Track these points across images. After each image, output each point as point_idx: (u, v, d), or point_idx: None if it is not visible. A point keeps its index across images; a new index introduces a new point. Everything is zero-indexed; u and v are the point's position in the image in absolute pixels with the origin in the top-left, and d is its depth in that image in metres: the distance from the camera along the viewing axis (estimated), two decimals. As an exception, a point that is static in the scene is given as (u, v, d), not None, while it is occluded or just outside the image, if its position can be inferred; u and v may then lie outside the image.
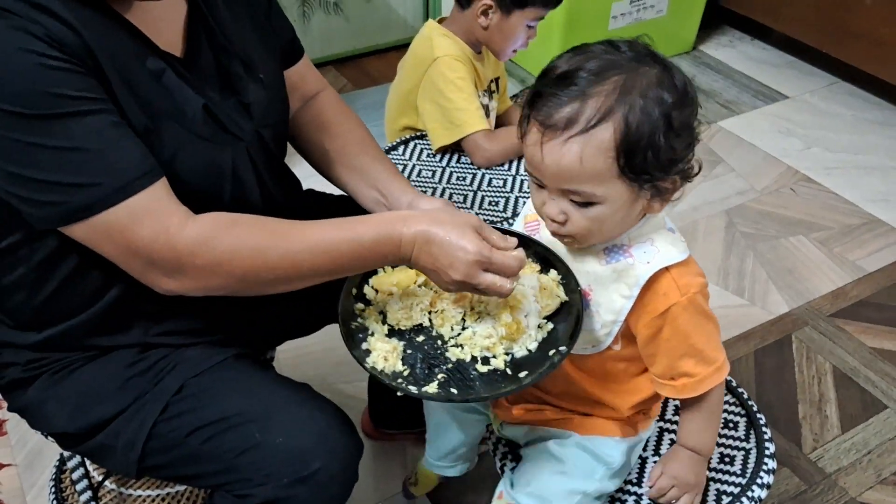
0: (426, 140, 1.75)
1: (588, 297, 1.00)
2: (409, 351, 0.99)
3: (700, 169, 0.94)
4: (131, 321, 1.06)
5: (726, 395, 1.73)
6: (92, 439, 1.05)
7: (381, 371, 0.95)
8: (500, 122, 1.92)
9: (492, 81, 1.84)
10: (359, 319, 1.03)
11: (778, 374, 1.83)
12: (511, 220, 1.52)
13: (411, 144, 1.74)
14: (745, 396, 1.64)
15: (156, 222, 0.88)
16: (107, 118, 0.86)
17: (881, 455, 1.66)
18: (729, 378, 1.77)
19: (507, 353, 0.98)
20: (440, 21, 1.76)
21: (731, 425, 1.25)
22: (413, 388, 0.94)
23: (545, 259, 1.04)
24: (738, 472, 1.15)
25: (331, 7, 2.90)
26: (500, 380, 0.95)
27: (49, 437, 1.12)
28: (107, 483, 1.34)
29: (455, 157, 1.70)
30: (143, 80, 0.92)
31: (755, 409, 1.28)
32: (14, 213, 0.90)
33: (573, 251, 1.01)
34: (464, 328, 1.01)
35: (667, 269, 0.95)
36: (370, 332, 1.01)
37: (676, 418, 1.20)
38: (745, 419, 1.23)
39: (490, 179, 1.64)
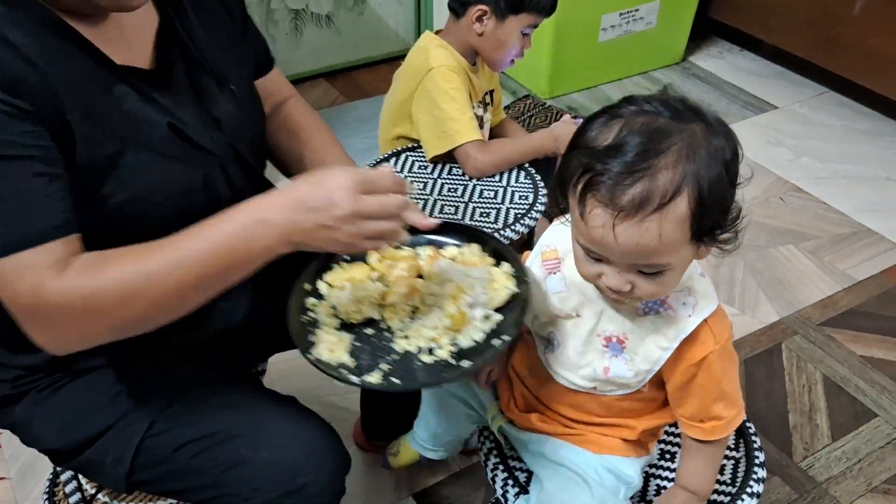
0: (417, 152, 1.75)
1: (622, 345, 1.00)
2: (357, 343, 1.00)
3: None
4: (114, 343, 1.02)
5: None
6: (81, 455, 1.05)
7: (323, 362, 0.95)
8: (494, 134, 1.93)
9: (486, 94, 1.85)
10: (310, 313, 1.03)
11: (768, 383, 1.84)
12: (503, 231, 1.53)
13: (403, 156, 1.75)
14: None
15: (33, 280, 0.84)
16: (31, 168, 0.84)
17: (871, 463, 1.66)
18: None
19: (452, 344, 0.99)
20: (437, 33, 1.77)
21: (721, 435, 1.27)
22: (353, 378, 0.93)
23: (499, 253, 1.08)
24: (728, 481, 1.15)
25: (323, 20, 2.92)
26: (443, 369, 0.96)
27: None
28: (100, 496, 1.34)
29: (447, 169, 1.71)
30: (108, 108, 0.91)
31: (744, 417, 1.28)
32: None
33: (610, 302, 0.99)
34: (413, 321, 1.03)
35: (704, 318, 0.96)
36: (319, 325, 1.01)
37: (662, 463, 1.19)
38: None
39: (481, 191, 1.65)
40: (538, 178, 1.70)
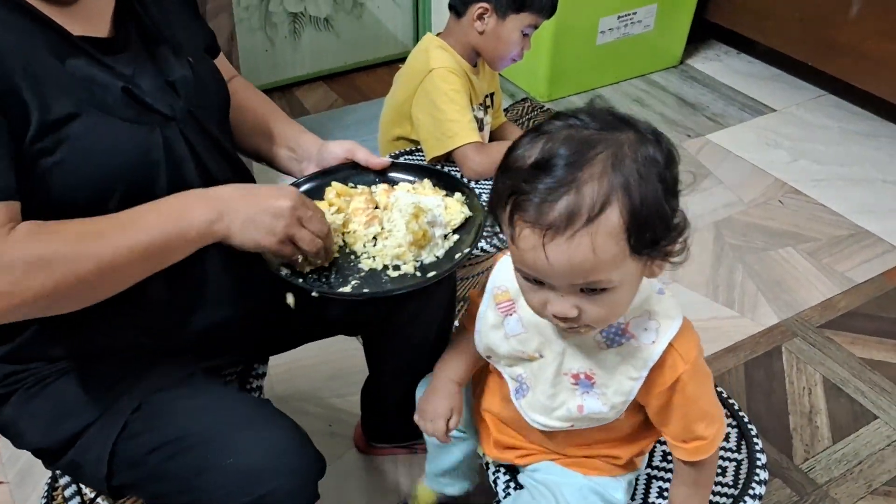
0: (416, 154, 1.76)
1: (591, 381, 0.97)
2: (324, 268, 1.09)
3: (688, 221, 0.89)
4: (82, 329, 1.04)
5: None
6: (65, 455, 1.06)
7: (293, 274, 1.06)
8: (494, 137, 1.94)
9: (487, 96, 1.86)
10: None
11: (768, 385, 1.84)
12: (501, 235, 1.52)
13: (400, 160, 1.75)
14: (736, 408, 1.64)
15: None
16: None
17: (872, 465, 1.67)
18: (720, 389, 1.78)
19: (416, 261, 1.09)
20: (438, 35, 1.78)
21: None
22: (326, 287, 1.05)
23: (450, 186, 1.19)
24: (731, 482, 1.15)
25: (321, 23, 2.92)
26: (410, 279, 1.07)
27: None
28: (99, 500, 1.33)
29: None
30: (61, 74, 0.93)
31: (746, 419, 1.28)
32: None
33: (568, 336, 0.96)
34: (374, 245, 1.13)
35: (671, 344, 0.93)
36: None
37: (663, 465, 1.19)
38: (736, 430, 1.24)
39: (479, 194, 1.64)
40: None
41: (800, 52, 2.93)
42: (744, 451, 1.20)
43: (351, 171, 1.23)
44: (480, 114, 1.79)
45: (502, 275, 1.03)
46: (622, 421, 1.01)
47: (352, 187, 1.20)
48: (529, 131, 0.85)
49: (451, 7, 1.73)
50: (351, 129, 2.69)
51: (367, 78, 3.09)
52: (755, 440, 1.20)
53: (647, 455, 1.14)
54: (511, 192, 0.82)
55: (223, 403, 1.05)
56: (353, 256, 1.11)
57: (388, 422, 1.58)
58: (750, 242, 2.29)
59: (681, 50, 3.19)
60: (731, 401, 1.69)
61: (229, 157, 1.14)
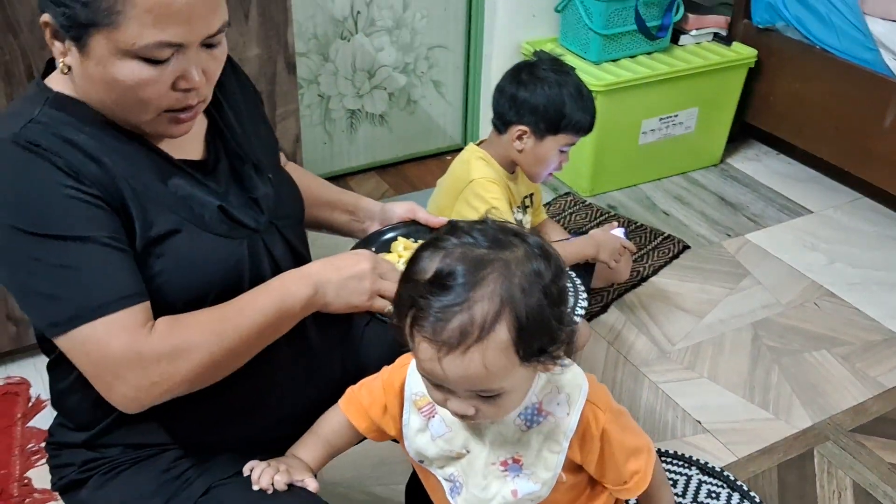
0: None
1: (519, 464, 1.02)
2: None
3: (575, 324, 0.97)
4: (162, 420, 1.15)
5: (748, 509, 1.78)
6: None
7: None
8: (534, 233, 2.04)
9: (525, 197, 1.97)
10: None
11: (800, 488, 1.88)
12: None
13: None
14: (766, 513, 1.68)
15: (129, 336, 0.99)
16: (99, 247, 0.99)
17: (901, 574, 1.69)
18: (753, 494, 1.83)
19: None
20: (480, 143, 1.90)
21: (752, 540, 1.30)
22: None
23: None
24: None
25: (376, 119, 3.08)
26: None
27: None
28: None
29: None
30: (165, 194, 1.07)
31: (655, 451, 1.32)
32: None
33: (490, 426, 1.02)
34: None
35: (587, 400, 1.01)
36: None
37: None
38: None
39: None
40: (578, 281, 1.79)
41: (836, 158, 3.01)
42: None
43: (411, 228, 1.41)
44: (520, 216, 1.90)
45: (417, 379, 1.06)
46: (571, 493, 1.08)
47: (413, 242, 1.37)
48: (428, 244, 0.93)
49: (493, 123, 1.85)
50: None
51: (416, 169, 3.23)
52: None
53: None
54: (411, 305, 0.89)
55: (280, 494, 1.12)
56: None
57: (430, 512, 1.65)
58: (787, 344, 2.34)
59: (721, 150, 3.29)
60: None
61: (301, 258, 1.27)
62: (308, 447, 1.19)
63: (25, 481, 1.82)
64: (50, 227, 0.97)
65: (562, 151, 1.83)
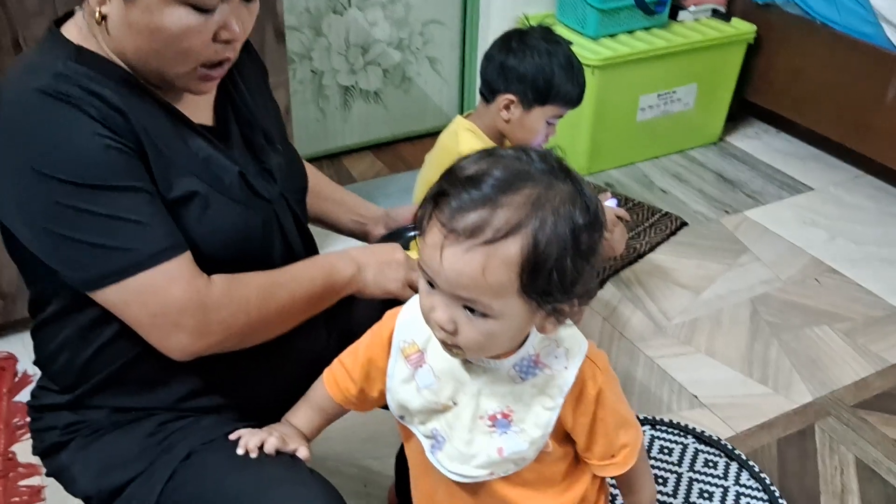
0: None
1: (508, 419, 0.97)
2: None
3: (592, 297, 0.92)
4: (152, 383, 1.13)
5: (749, 479, 1.76)
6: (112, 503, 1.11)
7: None
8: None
9: (516, 171, 1.93)
10: None
11: (800, 464, 1.85)
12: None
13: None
14: (769, 482, 1.66)
15: (189, 283, 0.99)
16: (144, 195, 0.98)
17: (903, 548, 1.66)
18: (752, 463, 1.80)
19: None
20: (467, 116, 1.86)
21: (754, 511, 1.27)
22: None
23: None
24: None
25: (371, 96, 3.04)
26: None
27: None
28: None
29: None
30: (185, 156, 1.05)
31: (777, 494, 1.29)
32: (61, 281, 1.01)
33: (482, 375, 0.97)
34: None
35: (586, 356, 0.96)
36: None
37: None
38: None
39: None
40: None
41: (836, 134, 2.97)
42: None
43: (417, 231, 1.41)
44: (511, 190, 1.86)
45: (407, 327, 1.03)
46: (556, 466, 1.02)
47: None
48: (486, 150, 0.90)
49: (480, 93, 1.81)
50: (394, 197, 2.78)
51: (412, 148, 3.19)
52: None
53: None
54: (439, 192, 0.86)
55: (263, 460, 1.09)
56: None
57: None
58: (786, 320, 2.30)
59: (720, 127, 3.25)
60: (762, 475, 1.71)
61: (306, 232, 1.27)
62: (301, 413, 1.17)
63: (10, 455, 1.79)
64: (94, 177, 0.95)
65: (549, 123, 1.80)
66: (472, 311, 0.85)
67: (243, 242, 1.10)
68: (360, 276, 1.18)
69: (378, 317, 1.34)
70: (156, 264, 0.97)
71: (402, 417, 1.06)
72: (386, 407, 1.44)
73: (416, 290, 1.13)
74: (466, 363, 0.97)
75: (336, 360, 1.14)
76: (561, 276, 0.83)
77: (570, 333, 0.98)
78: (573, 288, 0.86)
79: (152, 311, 0.98)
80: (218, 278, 1.03)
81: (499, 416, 0.97)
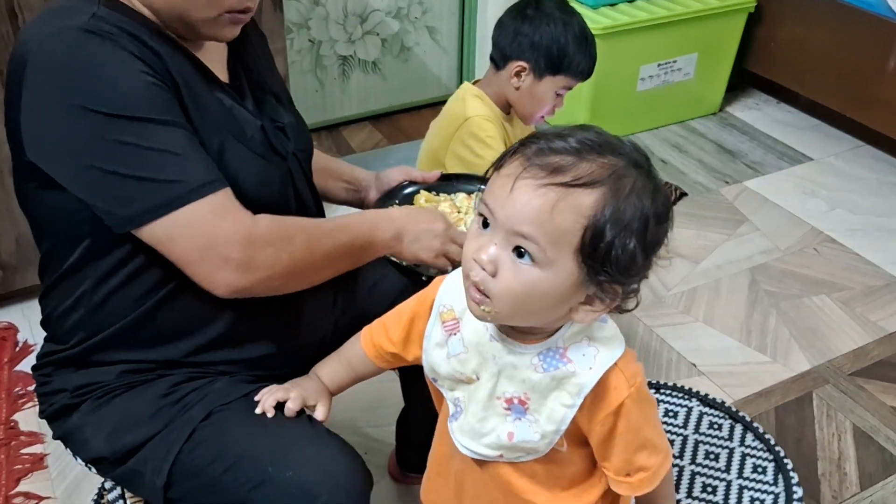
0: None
1: (525, 406, 0.94)
2: None
3: (637, 305, 0.90)
4: (165, 337, 1.13)
5: (754, 440, 1.77)
6: (124, 465, 1.11)
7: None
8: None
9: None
10: None
11: (798, 430, 1.86)
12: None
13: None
14: (773, 442, 1.66)
15: (235, 217, 0.99)
16: (184, 132, 0.99)
17: (900, 513, 1.68)
18: (756, 425, 1.81)
19: None
20: (475, 82, 1.85)
21: (759, 470, 1.28)
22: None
23: None
24: None
25: (369, 66, 3.02)
26: None
27: (89, 467, 1.18)
28: (145, 514, 1.39)
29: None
30: (212, 104, 1.06)
31: (782, 454, 1.30)
32: (82, 229, 1.02)
33: (506, 357, 0.94)
34: None
35: (615, 364, 0.91)
36: None
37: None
38: (772, 464, 1.26)
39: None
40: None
41: (837, 104, 2.96)
42: (781, 484, 1.21)
43: (413, 188, 1.47)
44: (517, 158, 1.86)
45: (449, 293, 1.02)
46: (567, 468, 0.99)
47: (435, 195, 1.45)
48: (584, 125, 0.89)
49: (491, 59, 1.80)
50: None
51: (411, 119, 3.17)
52: (791, 474, 1.21)
53: None
54: (528, 138, 0.86)
55: (282, 420, 1.10)
56: None
57: (421, 452, 1.62)
58: (785, 289, 2.31)
59: (720, 98, 3.24)
60: (766, 435, 1.72)
61: (316, 193, 1.28)
62: (330, 367, 1.16)
63: (12, 424, 1.80)
64: (138, 110, 0.95)
65: (558, 95, 1.79)
66: (520, 255, 0.83)
67: (263, 194, 1.10)
68: (397, 240, 1.19)
69: (382, 286, 1.35)
70: (202, 197, 0.97)
71: (434, 380, 1.05)
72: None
73: (451, 260, 1.20)
74: (494, 341, 0.95)
75: (378, 320, 1.14)
76: (620, 253, 0.82)
77: (607, 335, 0.94)
78: (626, 272, 0.84)
79: (200, 244, 0.98)
80: (263, 216, 1.03)
81: (515, 401, 0.95)
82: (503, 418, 0.96)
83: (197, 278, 1.01)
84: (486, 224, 0.86)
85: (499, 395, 0.95)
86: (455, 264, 1.21)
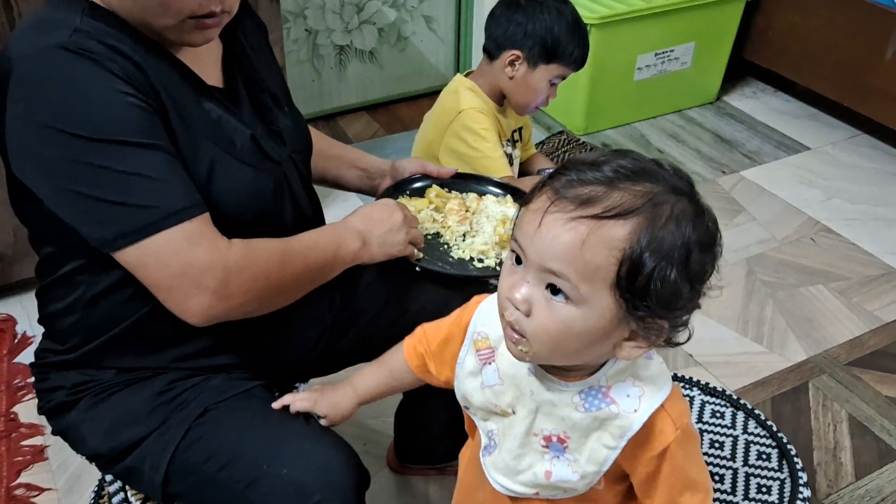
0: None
1: (564, 445, 0.90)
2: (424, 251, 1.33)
3: (689, 338, 0.86)
4: (160, 344, 1.13)
5: (756, 427, 1.78)
6: (122, 462, 1.12)
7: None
8: (524, 169, 2.00)
9: (514, 131, 1.92)
10: None
11: (794, 420, 1.87)
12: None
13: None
14: (775, 429, 1.67)
15: (210, 244, 0.97)
16: (164, 155, 0.96)
17: (895, 503, 1.69)
18: (758, 412, 1.83)
19: (497, 257, 1.32)
20: (468, 74, 1.85)
21: (763, 456, 1.29)
22: (426, 265, 1.29)
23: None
24: (776, 500, 1.16)
25: (366, 56, 3.02)
26: (492, 270, 1.30)
27: (90, 460, 1.19)
28: (146, 508, 1.40)
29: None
30: (199, 118, 1.03)
31: (785, 440, 1.31)
32: (78, 239, 0.99)
33: (545, 393, 0.90)
34: (464, 240, 1.36)
35: (661, 405, 0.87)
36: None
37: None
38: (776, 451, 1.26)
39: (515, 226, 1.71)
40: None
41: (835, 93, 2.97)
42: (786, 469, 1.21)
43: (425, 181, 1.48)
44: (509, 149, 1.86)
45: (483, 319, 0.98)
46: (601, 495, 0.95)
47: (448, 192, 1.47)
48: (615, 150, 0.85)
49: (484, 49, 1.80)
50: (391, 158, 2.76)
51: (408, 109, 3.17)
52: (795, 459, 1.22)
53: None
54: (558, 170, 0.82)
55: (278, 417, 1.11)
56: (445, 246, 1.36)
57: (419, 443, 1.64)
58: (782, 279, 2.32)
59: (717, 87, 3.24)
60: (769, 423, 1.73)
61: (312, 194, 1.27)
62: (366, 374, 1.14)
63: (12, 416, 1.80)
64: (115, 133, 0.92)
65: (552, 84, 1.79)
66: (554, 292, 0.79)
67: (255, 205, 1.09)
68: (365, 248, 1.18)
69: (379, 280, 1.35)
70: (176, 223, 0.94)
71: (466, 408, 1.02)
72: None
73: (415, 245, 1.23)
74: (532, 376, 0.91)
75: (419, 328, 1.10)
76: (661, 286, 0.77)
77: (653, 374, 0.89)
78: (670, 305, 0.79)
79: (172, 271, 0.96)
80: (236, 242, 1.01)
81: (554, 439, 0.91)
82: (541, 455, 0.92)
83: (169, 305, 0.99)
84: (519, 261, 0.82)
85: (536, 431, 0.91)
86: (417, 247, 1.28)
